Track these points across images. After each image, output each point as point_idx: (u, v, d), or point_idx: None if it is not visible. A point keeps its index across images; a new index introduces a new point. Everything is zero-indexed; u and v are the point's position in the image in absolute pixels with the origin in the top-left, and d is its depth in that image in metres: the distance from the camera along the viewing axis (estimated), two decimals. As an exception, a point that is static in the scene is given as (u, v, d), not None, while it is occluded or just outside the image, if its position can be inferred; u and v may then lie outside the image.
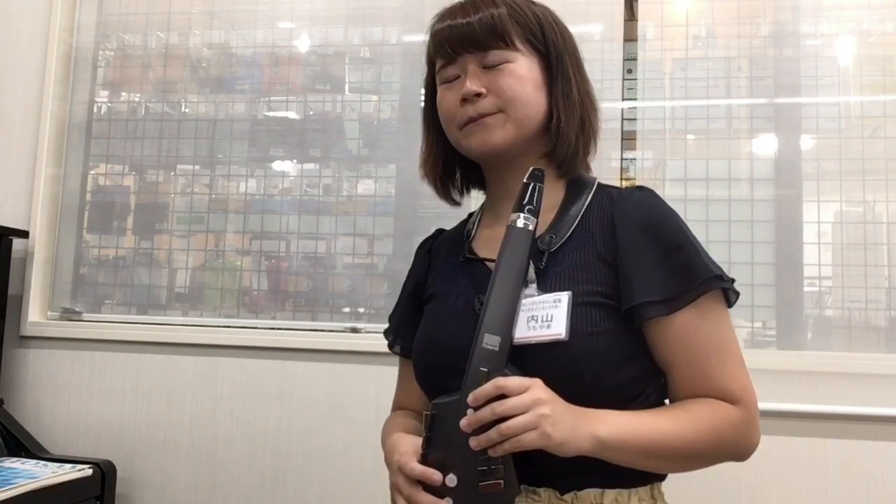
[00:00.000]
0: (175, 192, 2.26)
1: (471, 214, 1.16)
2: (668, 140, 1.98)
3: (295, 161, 2.22)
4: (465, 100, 0.96)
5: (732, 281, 0.92)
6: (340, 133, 2.20)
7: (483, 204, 1.12)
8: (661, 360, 0.92)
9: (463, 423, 0.81)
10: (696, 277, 0.88)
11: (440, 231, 1.20)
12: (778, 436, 1.74)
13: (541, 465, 0.87)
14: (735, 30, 1.99)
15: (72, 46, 2.32)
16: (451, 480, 0.82)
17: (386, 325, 1.20)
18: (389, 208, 2.13)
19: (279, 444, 1.99)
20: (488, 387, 0.80)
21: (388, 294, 2.06)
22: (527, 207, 0.89)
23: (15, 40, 2.28)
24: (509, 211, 0.93)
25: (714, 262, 0.91)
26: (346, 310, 2.09)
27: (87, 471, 1.87)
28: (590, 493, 0.89)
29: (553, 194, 0.98)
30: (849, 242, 1.88)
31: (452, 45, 0.98)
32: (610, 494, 0.90)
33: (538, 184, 0.90)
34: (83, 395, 2.12)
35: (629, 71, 2.01)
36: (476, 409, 0.81)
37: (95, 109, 2.33)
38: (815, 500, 1.72)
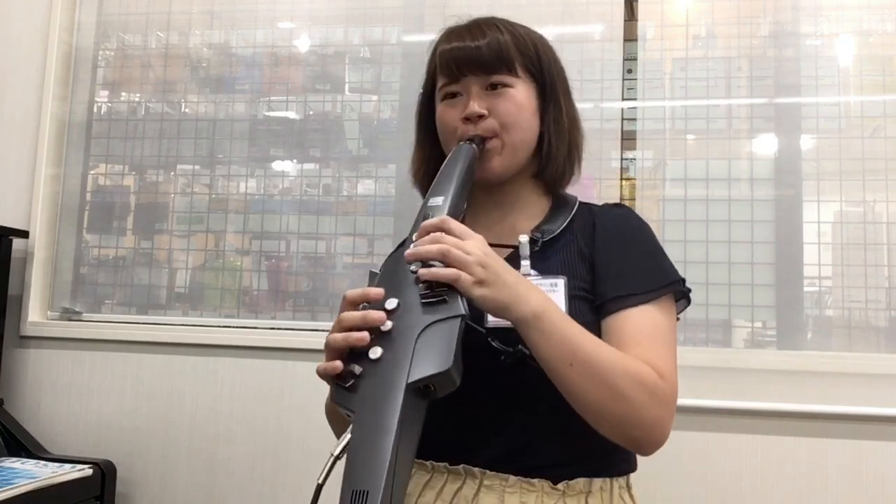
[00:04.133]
0: (175, 192, 2.26)
1: None
2: (668, 140, 1.98)
3: (295, 161, 2.22)
4: (468, 119, 1.01)
5: (689, 289, 1.02)
6: (340, 133, 2.20)
7: (462, 216, 1.17)
8: (613, 342, 0.96)
9: (407, 252, 0.84)
10: (662, 280, 0.98)
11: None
12: (778, 436, 1.74)
13: (534, 456, 0.92)
14: (735, 30, 1.99)
15: (72, 46, 2.32)
16: (391, 303, 0.81)
17: None
18: (389, 208, 2.13)
19: (279, 444, 1.99)
20: (434, 220, 0.86)
21: (388, 294, 2.06)
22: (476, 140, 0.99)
23: (15, 40, 2.28)
24: (492, 221, 1.05)
25: (675, 271, 1.01)
26: (346, 310, 2.09)
27: (87, 471, 1.87)
28: (579, 482, 0.94)
29: (539, 207, 1.07)
30: (849, 242, 1.88)
31: (459, 66, 1.02)
32: (597, 482, 0.95)
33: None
34: (83, 395, 2.12)
35: (629, 71, 2.01)
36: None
37: (95, 109, 2.33)
38: (815, 500, 1.72)
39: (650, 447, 0.91)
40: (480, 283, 0.82)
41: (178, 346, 2.08)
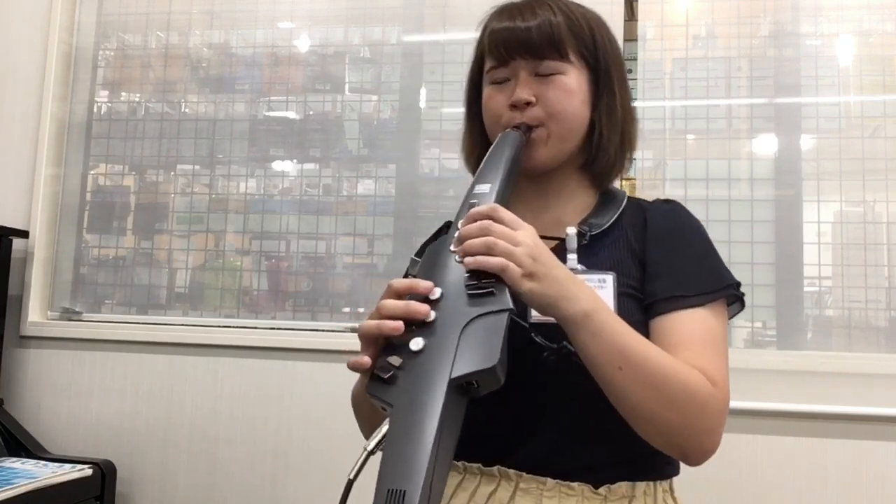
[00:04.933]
0: (175, 192, 2.26)
1: None
2: (668, 140, 1.98)
3: (295, 161, 2.22)
4: (514, 105, 0.96)
5: (743, 293, 0.97)
6: (340, 133, 2.20)
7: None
8: (662, 345, 0.91)
9: (456, 237, 0.80)
10: (718, 283, 0.93)
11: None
12: (778, 436, 1.74)
13: (575, 458, 0.88)
14: (735, 30, 1.99)
15: (72, 46, 2.32)
16: (435, 293, 0.76)
17: None
18: (389, 208, 2.13)
19: (279, 444, 1.99)
20: (484, 207, 0.81)
21: (388, 294, 2.06)
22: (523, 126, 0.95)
23: (15, 40, 2.29)
24: (535, 213, 0.97)
25: (730, 273, 0.96)
26: (346, 310, 2.09)
27: (87, 471, 1.87)
28: (622, 486, 0.89)
29: (585, 200, 1.01)
30: (849, 242, 1.88)
31: (508, 49, 0.97)
32: (640, 486, 0.90)
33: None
34: (83, 395, 2.13)
35: (629, 71, 2.00)
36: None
37: (95, 109, 2.33)
38: (815, 500, 1.72)
39: (698, 458, 0.86)
40: (530, 275, 0.77)
41: (178, 346, 2.08)
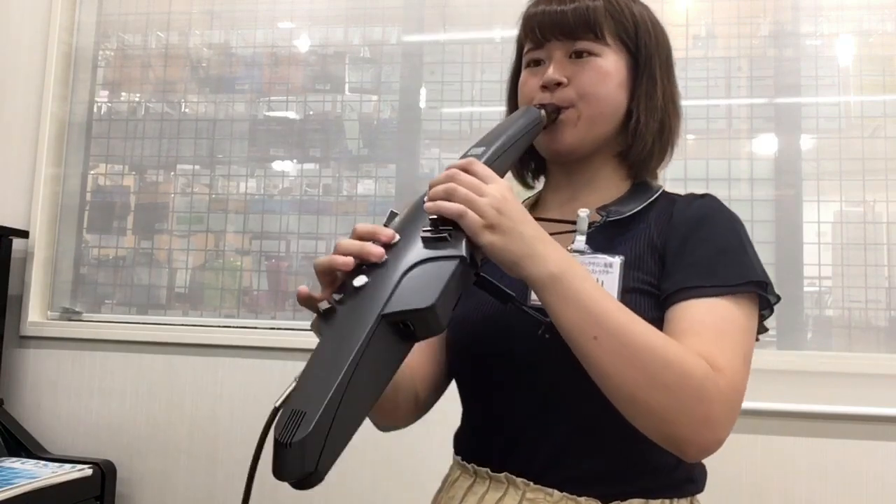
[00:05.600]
0: (175, 192, 2.26)
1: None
2: (668, 140, 1.98)
3: (295, 161, 2.22)
4: (545, 87, 0.92)
5: (778, 299, 0.87)
6: (340, 133, 2.20)
7: (538, 193, 1.06)
8: (669, 332, 0.83)
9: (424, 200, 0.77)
10: (741, 276, 0.84)
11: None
12: (778, 436, 1.74)
13: (584, 464, 0.83)
14: (735, 30, 1.99)
15: (72, 46, 2.32)
16: (395, 238, 0.74)
17: None
18: (389, 208, 2.12)
19: (279, 444, 1.99)
20: (460, 161, 0.79)
21: (388, 294, 2.06)
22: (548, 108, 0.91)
23: (15, 40, 2.28)
24: (562, 199, 0.95)
25: (763, 270, 0.86)
26: (346, 310, 2.09)
27: (87, 471, 1.87)
28: (634, 503, 0.83)
29: (618, 191, 0.96)
30: (849, 242, 1.88)
31: (542, 30, 0.93)
32: None
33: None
34: (83, 395, 2.12)
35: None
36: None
37: (95, 109, 2.33)
38: (815, 500, 1.72)
39: (696, 451, 0.76)
40: (491, 227, 0.73)
41: (178, 346, 2.08)
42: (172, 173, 2.28)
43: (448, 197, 0.74)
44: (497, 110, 2.20)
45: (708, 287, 0.82)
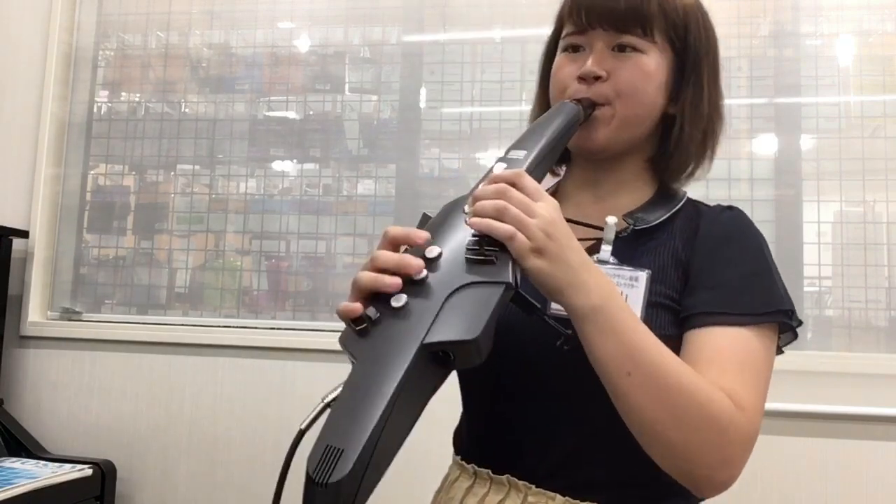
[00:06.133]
0: (175, 192, 2.26)
1: None
2: (668, 140, 1.98)
3: (295, 161, 2.22)
4: (582, 78, 0.87)
5: (800, 324, 0.86)
6: (340, 133, 2.20)
7: (557, 182, 1.02)
8: (690, 357, 0.82)
9: (466, 206, 0.72)
10: (768, 305, 0.82)
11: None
12: (778, 436, 1.74)
13: (588, 472, 0.82)
14: (735, 30, 1.98)
15: (72, 46, 2.32)
16: (433, 251, 0.69)
17: None
18: (389, 208, 2.13)
19: (279, 444, 1.99)
20: (508, 172, 0.73)
21: (388, 294, 2.06)
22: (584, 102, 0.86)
23: (15, 40, 2.28)
24: (585, 200, 0.91)
25: (787, 295, 0.85)
26: (346, 310, 2.09)
27: (87, 471, 1.87)
28: None
29: (640, 195, 0.92)
30: (849, 242, 1.88)
31: (589, 16, 0.87)
32: None
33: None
34: (83, 395, 2.13)
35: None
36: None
37: (95, 109, 2.33)
38: (815, 500, 1.72)
39: (711, 489, 0.76)
40: (538, 252, 0.69)
41: (178, 346, 2.08)
42: (172, 173, 2.28)
43: (498, 216, 0.69)
44: (497, 110, 2.22)
45: (733, 315, 0.80)
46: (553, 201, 0.73)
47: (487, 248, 0.68)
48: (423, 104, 2.15)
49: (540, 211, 0.70)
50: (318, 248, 2.16)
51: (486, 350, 0.65)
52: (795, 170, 1.92)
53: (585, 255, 0.73)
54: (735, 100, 1.97)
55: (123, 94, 2.35)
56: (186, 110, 2.29)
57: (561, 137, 0.82)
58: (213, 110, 2.26)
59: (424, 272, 0.67)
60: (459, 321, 0.64)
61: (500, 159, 0.78)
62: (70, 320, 2.22)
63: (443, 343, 0.63)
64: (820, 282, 1.89)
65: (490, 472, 0.86)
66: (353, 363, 0.66)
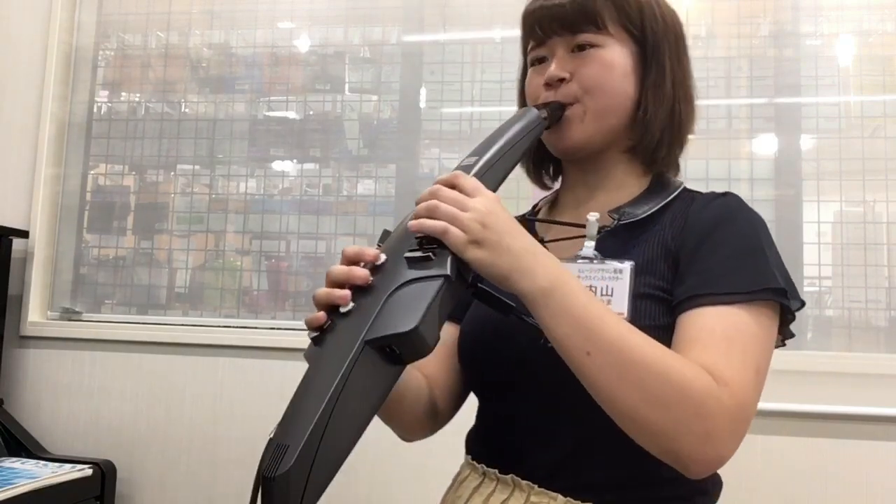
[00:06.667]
0: (175, 192, 2.27)
1: (534, 206, 1.07)
2: (668, 140, 1.98)
3: (295, 161, 2.22)
4: (548, 84, 0.90)
5: (802, 304, 0.84)
6: (340, 133, 2.20)
7: (555, 192, 1.04)
8: (676, 341, 0.80)
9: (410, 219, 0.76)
10: (756, 283, 0.79)
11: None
12: (778, 436, 1.74)
13: (590, 473, 0.82)
14: (735, 30, 1.99)
15: (72, 46, 2.32)
16: (380, 259, 0.74)
17: None
18: (389, 208, 2.13)
19: (279, 444, 1.99)
20: (446, 175, 0.78)
21: (388, 294, 2.06)
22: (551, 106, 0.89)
23: (15, 40, 2.29)
24: (578, 201, 0.92)
25: (785, 276, 0.82)
26: (346, 310, 2.09)
27: (87, 471, 1.87)
28: None
29: (636, 189, 0.93)
30: (849, 242, 1.88)
31: (542, 26, 0.91)
32: None
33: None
34: (83, 395, 2.12)
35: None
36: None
37: (95, 109, 2.33)
38: (815, 500, 1.72)
39: (698, 467, 0.73)
40: (476, 242, 0.71)
41: (178, 346, 2.08)
42: (172, 173, 2.28)
43: (430, 214, 0.73)
44: (497, 110, 2.21)
45: (720, 294, 0.78)
46: (492, 195, 0.75)
47: (426, 247, 0.72)
48: (423, 104, 2.15)
49: (474, 205, 0.72)
50: (318, 248, 2.16)
51: (432, 341, 0.68)
52: (795, 170, 1.92)
53: (530, 241, 0.74)
54: (735, 100, 1.97)
55: (123, 94, 2.35)
56: (186, 110, 2.29)
57: (518, 141, 0.85)
58: (213, 110, 2.26)
59: (371, 279, 0.72)
60: (399, 315, 0.67)
61: (456, 167, 0.81)
62: (70, 320, 2.22)
63: (384, 338, 0.66)
64: (820, 282, 1.89)
65: (497, 471, 0.87)
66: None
